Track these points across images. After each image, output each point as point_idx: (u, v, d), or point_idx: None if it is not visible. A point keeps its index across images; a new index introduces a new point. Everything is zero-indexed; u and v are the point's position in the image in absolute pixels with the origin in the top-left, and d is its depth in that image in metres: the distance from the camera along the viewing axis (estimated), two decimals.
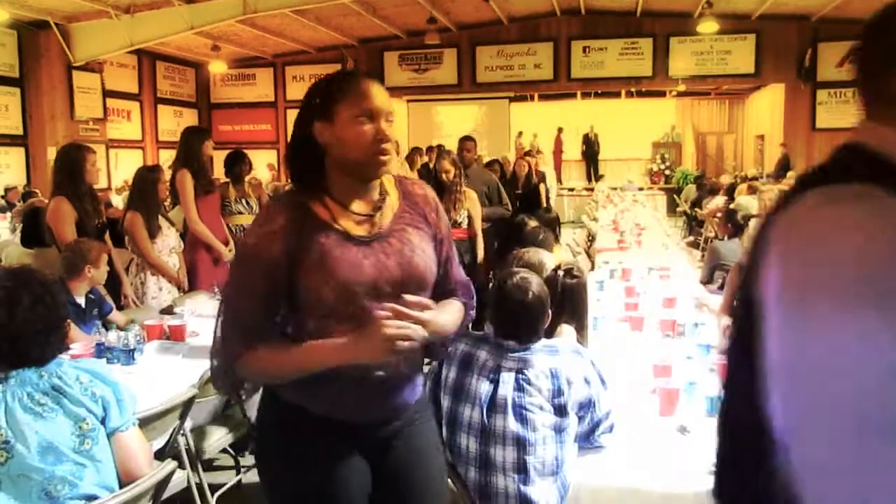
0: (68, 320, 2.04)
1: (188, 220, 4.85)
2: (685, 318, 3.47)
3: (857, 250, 0.69)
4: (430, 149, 12.85)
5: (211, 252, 4.99)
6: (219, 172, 6.04)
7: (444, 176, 4.89)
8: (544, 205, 8.03)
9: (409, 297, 1.53)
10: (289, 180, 1.67)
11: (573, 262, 3.21)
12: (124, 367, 3.05)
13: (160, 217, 4.65)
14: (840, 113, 14.04)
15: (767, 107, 16.07)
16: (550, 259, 3.13)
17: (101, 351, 3.11)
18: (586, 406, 2.17)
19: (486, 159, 9.56)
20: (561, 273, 2.88)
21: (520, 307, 2.22)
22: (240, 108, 16.49)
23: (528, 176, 7.83)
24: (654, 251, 6.40)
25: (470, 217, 4.98)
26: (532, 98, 18.71)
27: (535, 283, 2.28)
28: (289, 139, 1.65)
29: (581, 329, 2.89)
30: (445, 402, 2.27)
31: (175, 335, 3.52)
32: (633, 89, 16.83)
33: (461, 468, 2.20)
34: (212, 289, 4.60)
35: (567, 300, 2.78)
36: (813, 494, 0.70)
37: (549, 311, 2.32)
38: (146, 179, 4.63)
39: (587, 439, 2.22)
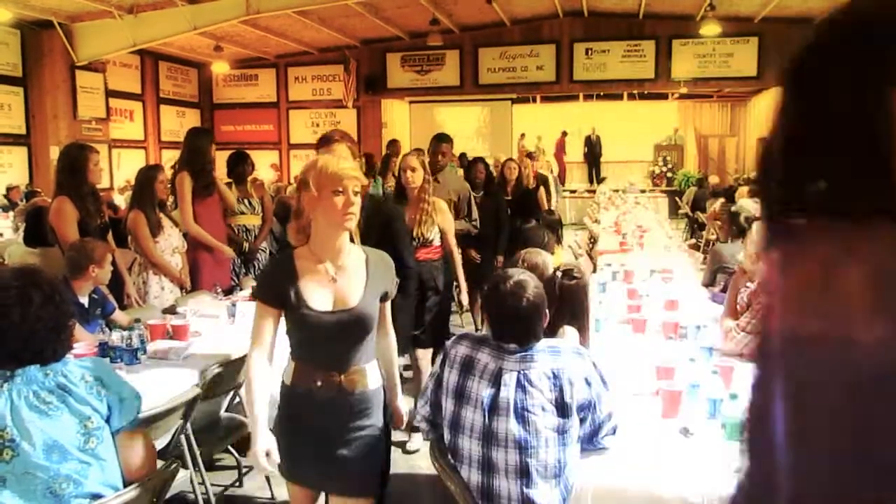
0: (74, 319, 2.04)
1: (183, 222, 4.85)
2: (688, 321, 3.47)
3: None
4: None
5: (213, 252, 4.99)
6: (221, 173, 6.05)
7: (408, 175, 3.91)
8: (545, 207, 7.90)
9: None
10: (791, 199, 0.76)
11: (573, 264, 3.21)
12: (127, 366, 3.06)
13: (164, 216, 4.66)
14: None
15: (770, 109, 16.05)
16: (550, 259, 3.13)
17: (105, 350, 3.12)
18: (587, 408, 2.17)
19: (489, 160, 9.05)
20: (559, 275, 2.88)
21: (514, 313, 2.20)
22: (242, 109, 16.50)
23: (518, 180, 6.91)
24: (656, 253, 6.40)
25: (442, 232, 4.14)
26: (534, 100, 18.72)
27: (531, 287, 2.25)
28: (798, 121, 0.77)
29: (582, 331, 2.89)
30: (448, 405, 2.27)
31: (178, 335, 3.52)
32: (635, 91, 16.84)
33: (464, 471, 2.20)
34: (214, 289, 4.61)
35: (566, 302, 2.78)
36: None
37: (547, 312, 2.31)
38: (145, 178, 4.64)
39: (590, 442, 2.22)
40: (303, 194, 2.13)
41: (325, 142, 2.96)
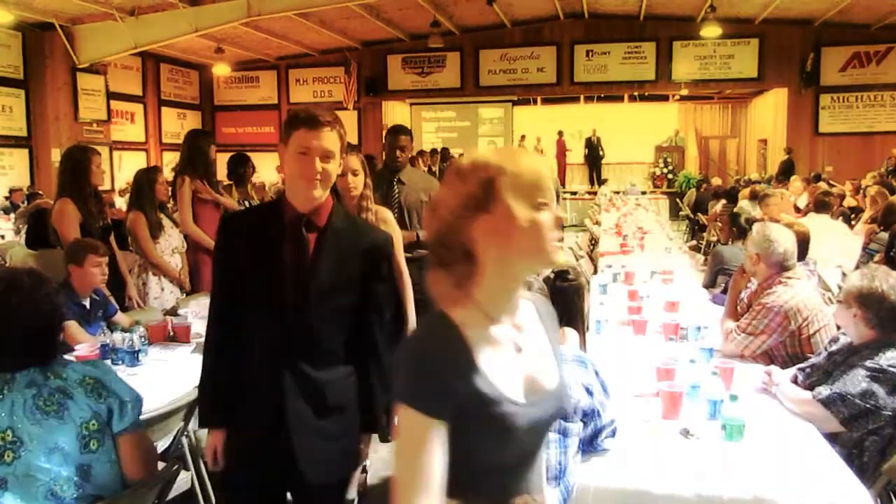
0: (66, 321, 2.04)
1: (182, 224, 4.85)
2: (688, 322, 3.48)
3: None
4: (433, 152, 12.89)
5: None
6: (222, 174, 6.06)
7: (347, 180, 3.02)
8: None
9: None
10: None
11: (568, 265, 3.20)
12: (129, 368, 3.06)
13: (165, 217, 4.68)
14: (843, 117, 14.05)
15: (770, 111, 16.08)
16: None
17: (106, 352, 3.12)
18: (589, 415, 2.17)
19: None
20: (552, 277, 2.88)
21: None
22: (243, 111, 16.54)
23: None
24: (657, 255, 6.40)
25: None
26: (535, 102, 18.73)
27: (534, 288, 2.25)
28: None
29: (578, 332, 2.89)
30: None
31: (179, 336, 3.53)
32: (636, 93, 16.85)
33: None
34: None
35: (561, 303, 2.77)
36: None
37: None
38: (144, 180, 4.66)
39: (590, 444, 2.23)
40: (476, 220, 1.24)
41: (307, 123, 1.92)
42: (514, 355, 1.29)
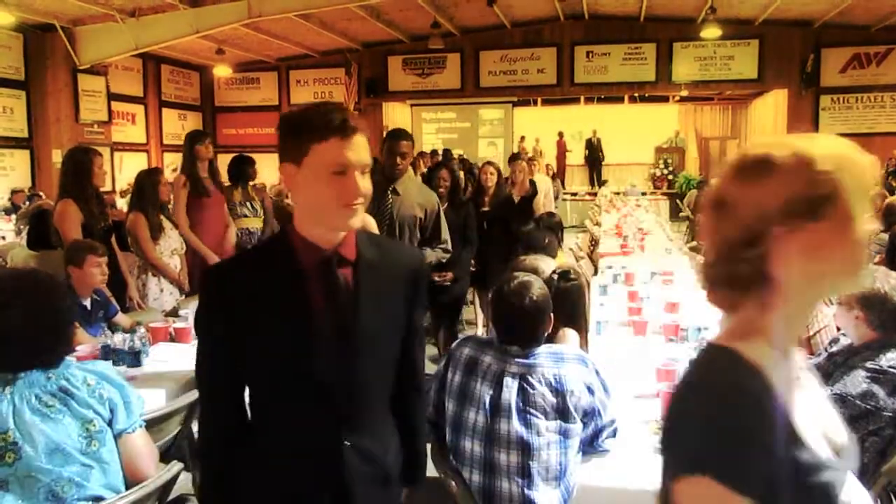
0: (73, 322, 2.04)
1: (177, 225, 4.85)
2: (688, 323, 3.48)
3: None
4: (433, 153, 12.89)
5: (215, 253, 5.00)
6: (223, 176, 6.05)
7: None
8: (538, 212, 7.59)
9: None
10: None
11: (570, 266, 3.22)
12: (130, 368, 3.07)
13: (164, 219, 4.68)
14: (843, 118, 14.05)
15: (770, 112, 16.07)
16: (549, 265, 3.14)
17: (107, 353, 3.13)
18: (590, 414, 2.18)
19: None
20: (555, 277, 2.89)
21: (518, 312, 2.22)
22: (244, 112, 16.54)
23: (498, 186, 5.54)
24: (657, 256, 6.41)
25: None
26: (535, 103, 18.74)
27: (536, 288, 2.26)
28: None
29: (580, 332, 2.90)
30: (450, 406, 2.28)
31: (180, 338, 3.53)
32: (636, 94, 16.85)
33: (465, 472, 2.20)
34: None
35: (562, 303, 2.78)
36: None
37: (552, 317, 2.32)
38: (146, 182, 4.66)
39: (591, 444, 2.23)
40: (798, 230, 0.93)
41: (341, 131, 1.38)
42: (811, 400, 1.01)
